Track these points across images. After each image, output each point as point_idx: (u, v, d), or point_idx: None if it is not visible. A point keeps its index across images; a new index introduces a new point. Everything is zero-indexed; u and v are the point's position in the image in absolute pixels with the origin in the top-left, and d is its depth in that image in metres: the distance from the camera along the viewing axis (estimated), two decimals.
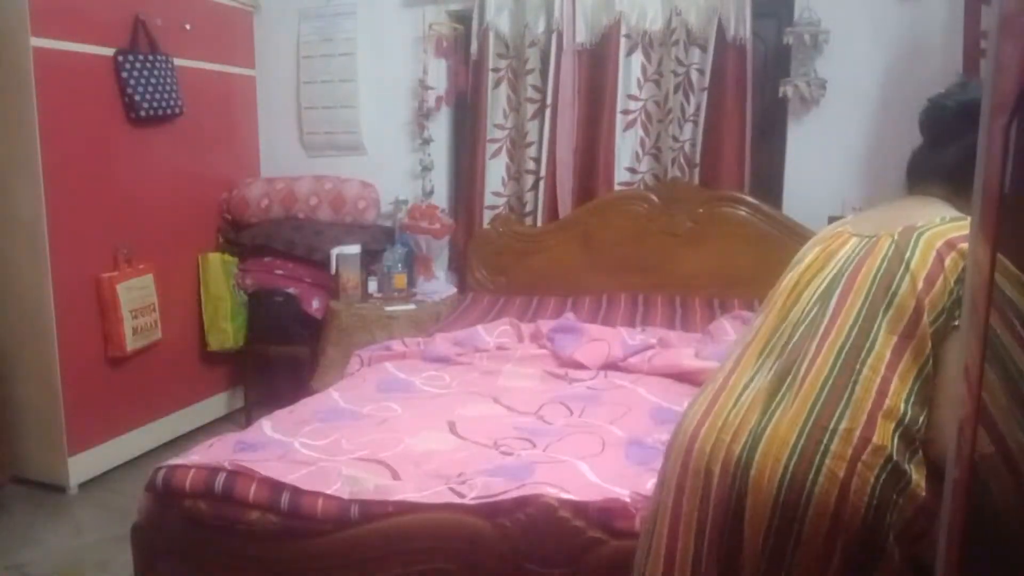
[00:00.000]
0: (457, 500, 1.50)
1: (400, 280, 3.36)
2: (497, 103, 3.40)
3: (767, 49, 3.23)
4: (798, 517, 1.00)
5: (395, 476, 1.62)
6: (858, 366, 1.05)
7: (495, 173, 3.44)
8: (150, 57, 3.08)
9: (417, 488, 1.54)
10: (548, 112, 3.25)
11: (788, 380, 1.09)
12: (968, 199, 1.02)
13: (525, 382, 2.29)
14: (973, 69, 2.36)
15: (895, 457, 1.00)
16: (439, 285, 3.56)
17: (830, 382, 1.05)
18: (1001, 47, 0.68)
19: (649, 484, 1.48)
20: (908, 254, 1.08)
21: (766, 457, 1.03)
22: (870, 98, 3.04)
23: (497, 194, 3.45)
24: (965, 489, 0.71)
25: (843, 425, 1.01)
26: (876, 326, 1.06)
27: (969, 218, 1.00)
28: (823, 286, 1.17)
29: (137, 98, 3.03)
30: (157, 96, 3.11)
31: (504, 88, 3.40)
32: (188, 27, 3.32)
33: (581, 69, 3.28)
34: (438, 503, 1.50)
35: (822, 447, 1.01)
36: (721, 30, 3.05)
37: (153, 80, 3.09)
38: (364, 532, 1.52)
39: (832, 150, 3.10)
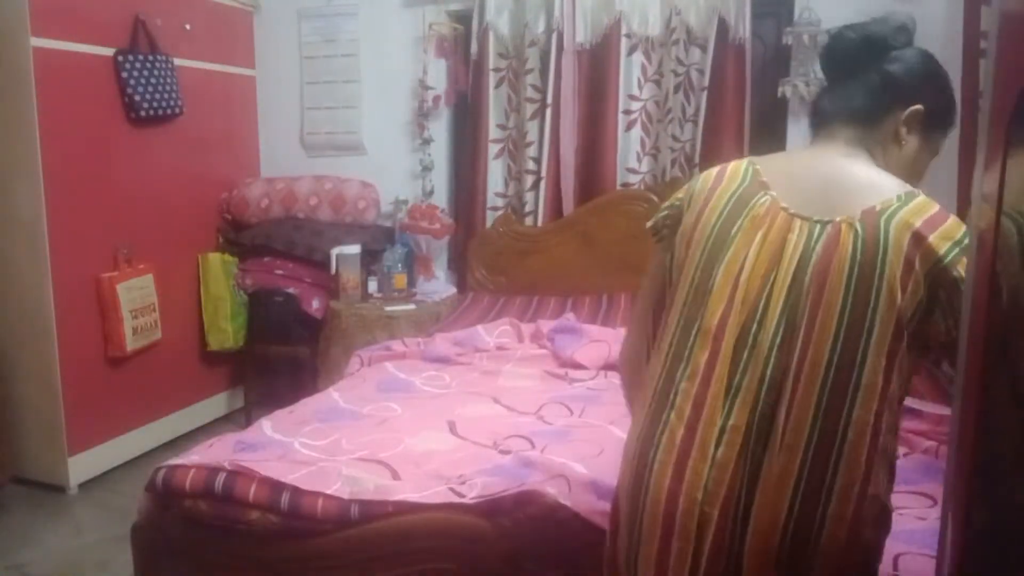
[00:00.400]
0: (457, 500, 1.50)
1: (400, 280, 3.36)
2: (497, 103, 3.41)
3: (767, 49, 3.23)
4: None
5: (395, 476, 1.62)
6: (847, 406, 0.94)
7: (497, 173, 3.45)
8: (150, 57, 3.08)
9: (417, 488, 1.54)
10: (548, 112, 3.25)
11: (768, 429, 0.97)
12: (874, 138, 1.12)
13: (525, 382, 2.29)
14: (973, 69, 2.35)
15: (883, 499, 0.98)
16: (439, 285, 3.56)
17: (817, 427, 0.94)
18: (1001, 47, 0.68)
19: None
20: (882, 254, 0.97)
21: (760, 533, 0.95)
22: None
23: (499, 194, 3.45)
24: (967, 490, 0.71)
25: (839, 482, 0.93)
26: (861, 351, 0.95)
27: (920, 194, 1.01)
28: (785, 295, 1.00)
29: (137, 98, 3.03)
30: (157, 96, 3.11)
31: (504, 88, 3.40)
32: (188, 27, 3.32)
33: (581, 69, 3.28)
34: (438, 503, 1.50)
35: (819, 512, 0.93)
36: (721, 30, 3.05)
37: (153, 80, 3.09)
38: (364, 532, 1.52)
39: None
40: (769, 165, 1.14)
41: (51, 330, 2.79)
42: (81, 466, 2.93)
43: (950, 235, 0.97)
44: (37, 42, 2.68)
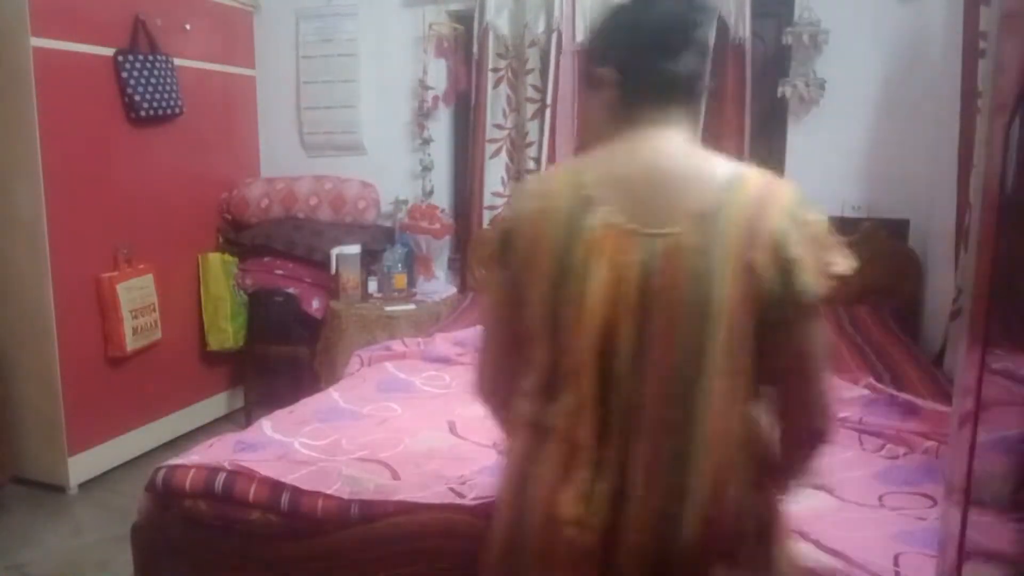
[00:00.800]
0: (457, 500, 1.50)
1: (400, 280, 3.36)
2: (497, 103, 3.41)
3: (767, 49, 3.23)
4: None
5: (395, 476, 1.62)
6: (698, 423, 0.95)
7: (495, 173, 3.44)
8: (150, 57, 3.08)
9: (417, 488, 1.54)
10: (548, 112, 3.25)
11: (631, 456, 0.97)
12: (696, 111, 1.13)
13: None
14: (973, 69, 2.36)
15: (754, 500, 0.99)
16: (439, 285, 3.56)
17: (670, 447, 0.96)
18: (1001, 47, 0.68)
19: None
20: (715, 266, 0.95)
21: (631, 554, 0.96)
22: (869, 98, 3.04)
23: (497, 194, 3.45)
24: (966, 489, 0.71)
25: (698, 496, 0.95)
26: (706, 368, 0.95)
27: (744, 173, 0.99)
28: (633, 320, 0.97)
29: (137, 98, 3.03)
30: (157, 96, 3.11)
31: (504, 88, 3.40)
32: (188, 27, 3.32)
33: (581, 69, 3.28)
34: (438, 503, 1.50)
35: (681, 531, 0.95)
36: (721, 30, 3.04)
37: (153, 80, 3.09)
38: (364, 532, 1.52)
39: (831, 150, 3.10)
40: (592, 171, 1.04)
41: (51, 330, 2.79)
42: (81, 466, 2.93)
43: (782, 213, 0.96)
44: (37, 42, 2.68)
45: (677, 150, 1.06)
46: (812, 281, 0.95)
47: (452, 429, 1.89)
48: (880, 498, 1.51)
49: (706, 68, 1.13)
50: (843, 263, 0.98)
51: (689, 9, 1.09)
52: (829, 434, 1.04)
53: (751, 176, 1.01)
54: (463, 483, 1.56)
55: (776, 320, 0.96)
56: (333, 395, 2.17)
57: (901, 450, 1.75)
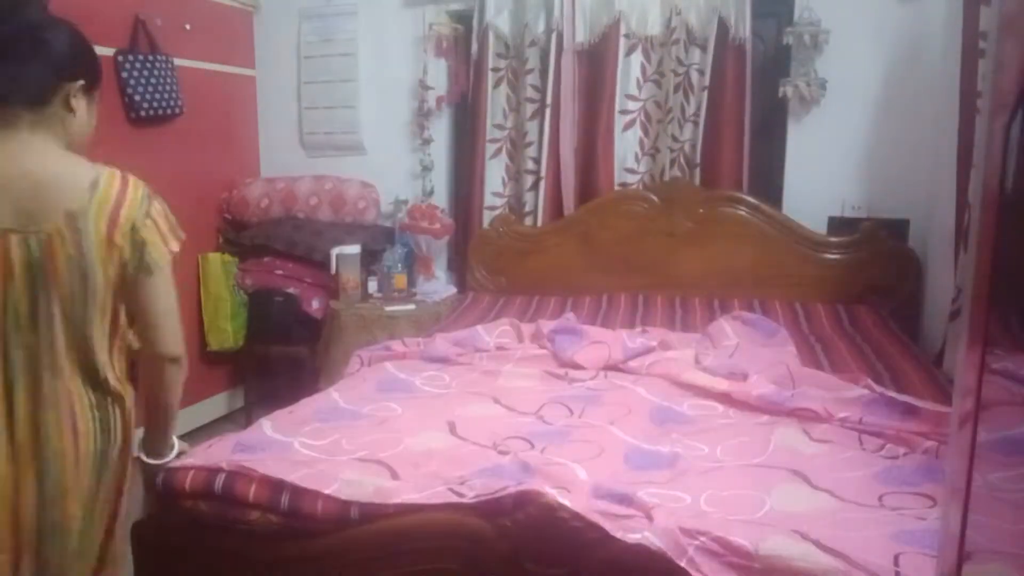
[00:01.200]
0: (456, 500, 1.50)
1: (400, 280, 3.36)
2: (497, 103, 3.41)
3: (767, 49, 3.23)
4: None
5: (394, 476, 1.61)
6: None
7: (495, 173, 3.45)
8: (150, 57, 3.08)
9: (417, 489, 1.54)
10: (548, 112, 3.25)
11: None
12: (51, 115, 1.34)
13: (525, 382, 2.28)
14: (973, 69, 2.36)
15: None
16: (439, 285, 3.56)
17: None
18: (1001, 47, 0.68)
19: (640, 493, 1.47)
20: (88, 249, 1.30)
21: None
22: (870, 98, 3.05)
23: (497, 194, 3.45)
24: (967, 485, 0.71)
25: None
26: (89, 327, 1.35)
27: (104, 173, 1.37)
28: (28, 305, 1.29)
29: (137, 98, 3.03)
30: (157, 96, 3.11)
31: (504, 88, 3.40)
32: (188, 27, 3.32)
33: (581, 69, 3.29)
34: (438, 503, 1.50)
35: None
36: (721, 30, 3.05)
37: (153, 80, 3.09)
38: (365, 532, 1.52)
39: (832, 150, 3.11)
40: None
41: None
42: None
43: (132, 208, 1.36)
44: None
45: (42, 151, 1.32)
46: (157, 254, 1.39)
47: (452, 429, 1.89)
48: (880, 498, 1.51)
49: (61, 77, 1.35)
50: (176, 243, 1.44)
51: (35, 23, 1.34)
52: (173, 356, 1.46)
53: (109, 177, 1.36)
54: (462, 483, 1.55)
55: (132, 281, 1.36)
56: (333, 395, 2.16)
57: (901, 450, 1.75)
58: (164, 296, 1.43)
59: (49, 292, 1.28)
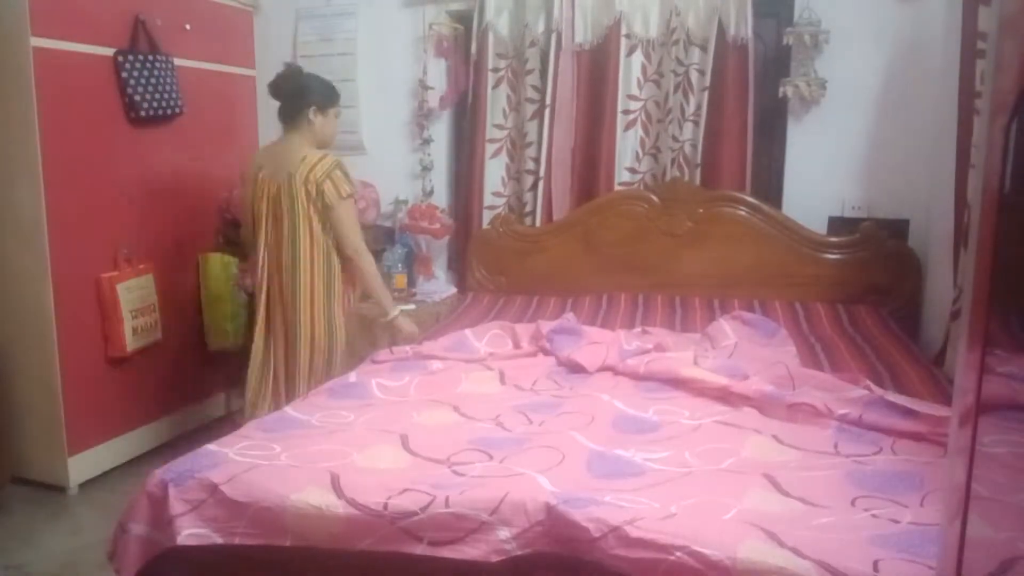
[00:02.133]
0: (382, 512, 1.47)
1: (400, 280, 3.36)
2: (497, 103, 3.41)
3: (767, 49, 3.23)
4: None
5: (337, 490, 1.54)
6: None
7: (494, 173, 3.45)
8: (150, 57, 3.08)
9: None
10: (548, 112, 3.25)
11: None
12: (294, 120, 2.65)
13: (487, 388, 2.21)
14: (972, 69, 2.36)
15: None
16: (439, 285, 3.56)
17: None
18: (1000, 48, 0.68)
19: (608, 497, 1.44)
20: (295, 190, 2.55)
21: None
22: (870, 98, 3.05)
23: (497, 194, 3.45)
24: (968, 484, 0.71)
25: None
26: (301, 241, 2.56)
27: (318, 153, 2.59)
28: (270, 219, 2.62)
29: (137, 98, 3.03)
30: (157, 96, 3.11)
31: (504, 88, 3.40)
32: (188, 27, 3.32)
33: (581, 69, 3.29)
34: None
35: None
36: (721, 30, 3.05)
37: (153, 80, 3.09)
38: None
39: (832, 150, 3.11)
40: (262, 152, 2.82)
41: (51, 330, 2.79)
42: (81, 466, 2.93)
43: (320, 178, 2.53)
44: (37, 42, 2.68)
45: (291, 142, 2.64)
46: (332, 197, 2.53)
47: (405, 443, 1.78)
48: (852, 502, 1.48)
49: (300, 92, 2.69)
50: (348, 190, 2.57)
51: (287, 81, 2.73)
52: (347, 256, 2.61)
53: (313, 155, 2.57)
54: (403, 493, 1.50)
55: (323, 210, 2.55)
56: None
57: (878, 453, 1.72)
58: (342, 221, 2.58)
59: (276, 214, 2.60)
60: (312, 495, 1.52)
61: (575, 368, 2.35)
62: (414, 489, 1.51)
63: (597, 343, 2.46)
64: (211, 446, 1.75)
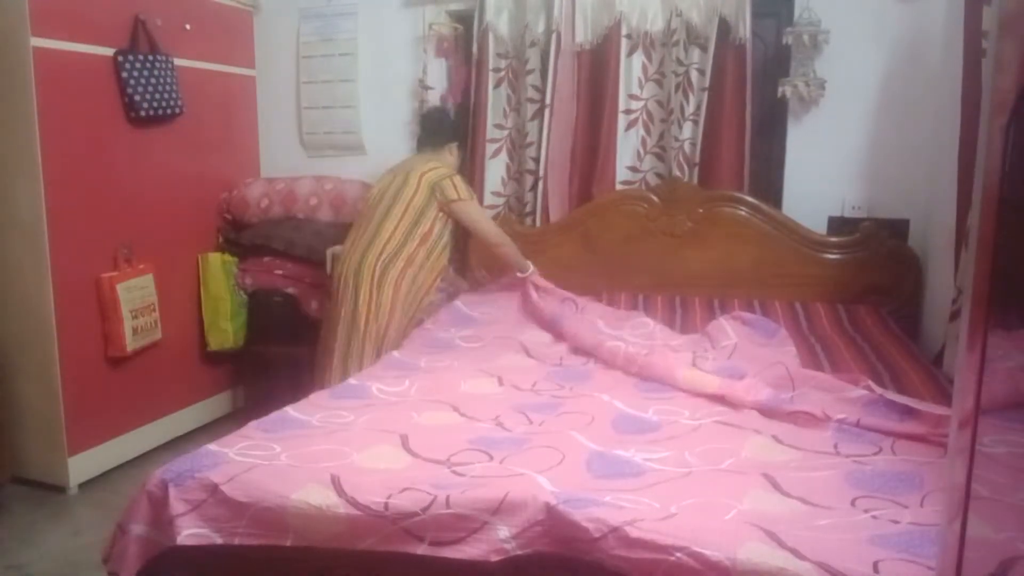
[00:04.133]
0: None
1: None
2: (497, 103, 3.41)
3: (767, 49, 3.23)
4: None
5: (338, 489, 1.54)
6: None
7: (494, 173, 3.45)
8: (150, 57, 3.08)
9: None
10: (548, 112, 3.25)
11: None
12: (434, 148, 3.13)
13: (487, 389, 2.21)
14: (974, 69, 2.35)
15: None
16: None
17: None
18: (1000, 47, 0.68)
19: (608, 497, 1.44)
20: (410, 185, 2.93)
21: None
22: (869, 98, 3.04)
23: (496, 194, 3.45)
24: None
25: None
26: (415, 229, 2.92)
27: (443, 167, 3.00)
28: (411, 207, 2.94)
29: (137, 98, 3.03)
30: (157, 96, 3.11)
31: (504, 88, 3.40)
32: (188, 27, 3.32)
33: (581, 69, 3.28)
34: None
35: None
36: (722, 30, 3.05)
37: (153, 80, 3.09)
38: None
39: (832, 150, 3.11)
40: (395, 164, 3.14)
41: (51, 330, 2.79)
42: (81, 466, 2.93)
43: (439, 177, 2.93)
44: (37, 42, 2.68)
45: (422, 156, 3.12)
46: (451, 193, 2.90)
47: (404, 443, 1.77)
48: (852, 502, 1.48)
49: (442, 129, 3.19)
50: (466, 193, 2.96)
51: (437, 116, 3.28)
52: (501, 243, 3.00)
53: (429, 164, 2.99)
54: (403, 491, 1.50)
55: (447, 208, 2.93)
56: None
57: (878, 453, 1.72)
58: (469, 215, 2.96)
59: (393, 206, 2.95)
60: (313, 494, 1.52)
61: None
62: (415, 488, 1.51)
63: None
64: (211, 446, 1.75)
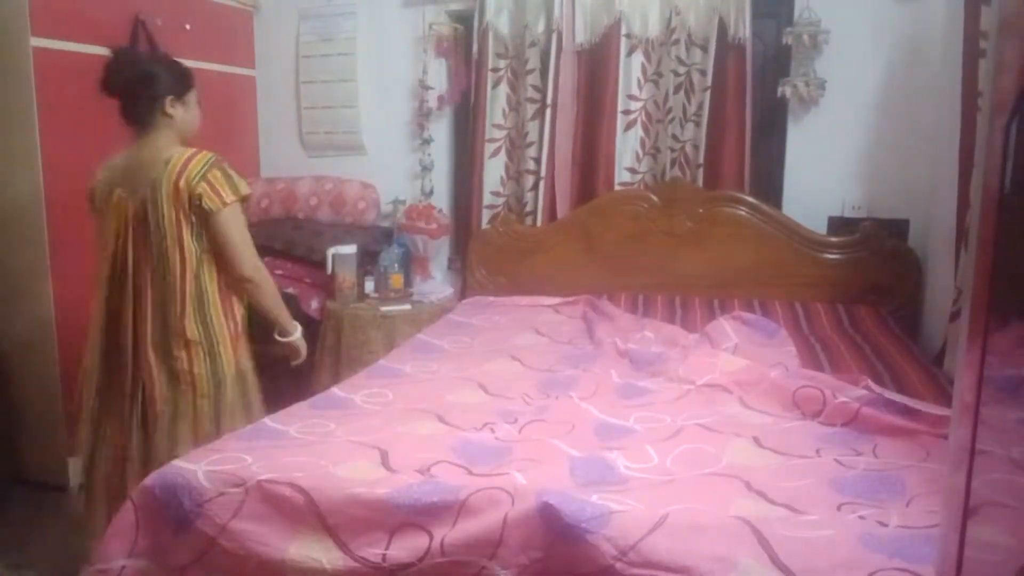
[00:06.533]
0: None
1: (396, 280, 3.35)
2: (497, 103, 3.40)
3: (767, 49, 3.23)
4: None
5: (311, 506, 1.51)
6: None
7: (494, 173, 3.45)
8: None
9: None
10: (548, 112, 3.25)
11: None
12: (148, 125, 2.05)
13: (472, 398, 2.16)
14: (973, 69, 2.35)
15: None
16: (435, 286, 3.56)
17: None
18: (1000, 47, 0.68)
19: (595, 497, 1.43)
20: (161, 205, 1.96)
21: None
22: (869, 98, 3.04)
23: (496, 193, 3.45)
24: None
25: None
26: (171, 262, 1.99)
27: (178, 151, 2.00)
28: (129, 245, 2.02)
29: None
30: None
31: (504, 88, 3.40)
32: (188, 27, 3.32)
33: (581, 69, 3.28)
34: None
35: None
36: (721, 30, 3.05)
37: None
38: None
39: (832, 150, 3.11)
40: (117, 160, 2.13)
41: (51, 331, 2.79)
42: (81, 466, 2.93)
43: (192, 172, 1.95)
44: (37, 42, 2.68)
45: (148, 147, 2.05)
46: (211, 202, 1.94)
47: (384, 458, 1.70)
48: (838, 507, 1.46)
49: (154, 95, 2.08)
50: (231, 195, 1.96)
51: (126, 69, 2.10)
52: (246, 278, 2.08)
53: (179, 154, 1.98)
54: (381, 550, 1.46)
55: (202, 217, 1.96)
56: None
57: (859, 456, 1.70)
58: (228, 235, 1.99)
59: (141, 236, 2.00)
60: (314, 549, 1.49)
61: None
62: (410, 524, 1.47)
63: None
64: (180, 463, 1.65)
